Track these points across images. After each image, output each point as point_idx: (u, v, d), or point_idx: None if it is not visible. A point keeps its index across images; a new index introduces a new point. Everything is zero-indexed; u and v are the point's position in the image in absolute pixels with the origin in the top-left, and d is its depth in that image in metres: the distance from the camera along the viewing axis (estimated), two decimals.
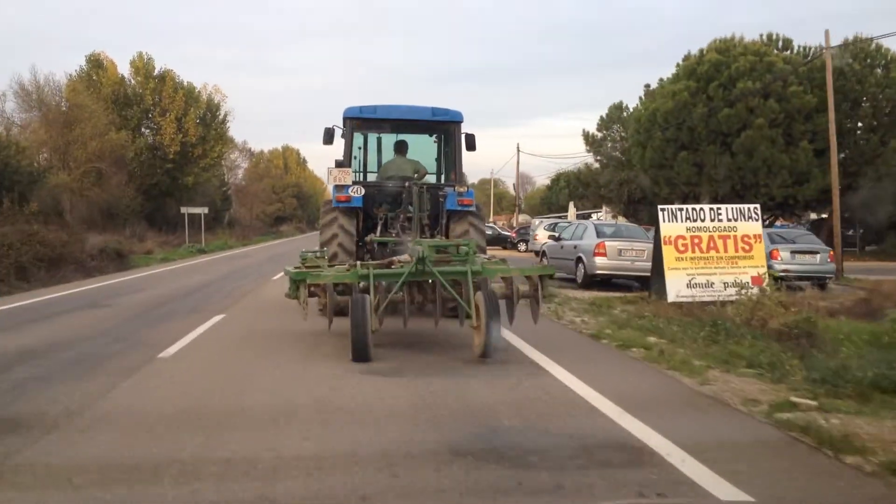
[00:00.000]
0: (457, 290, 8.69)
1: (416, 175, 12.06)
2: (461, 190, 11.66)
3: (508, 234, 46.93)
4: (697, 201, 35.65)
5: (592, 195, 44.47)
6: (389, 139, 13.32)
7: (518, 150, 55.69)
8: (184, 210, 42.94)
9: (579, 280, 19.22)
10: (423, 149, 13.03)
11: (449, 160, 12.66)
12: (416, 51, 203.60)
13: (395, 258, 9.50)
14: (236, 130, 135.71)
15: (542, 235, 34.70)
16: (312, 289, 8.95)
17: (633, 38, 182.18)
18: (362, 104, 12.23)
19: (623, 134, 43.12)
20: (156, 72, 56.70)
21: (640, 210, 39.15)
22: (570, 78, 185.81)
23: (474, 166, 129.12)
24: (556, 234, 21.26)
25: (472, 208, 11.71)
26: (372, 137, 13.57)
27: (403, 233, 11.18)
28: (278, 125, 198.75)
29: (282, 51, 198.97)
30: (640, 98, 44.41)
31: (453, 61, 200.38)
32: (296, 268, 9.78)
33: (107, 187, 49.91)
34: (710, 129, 33.11)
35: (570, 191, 67.80)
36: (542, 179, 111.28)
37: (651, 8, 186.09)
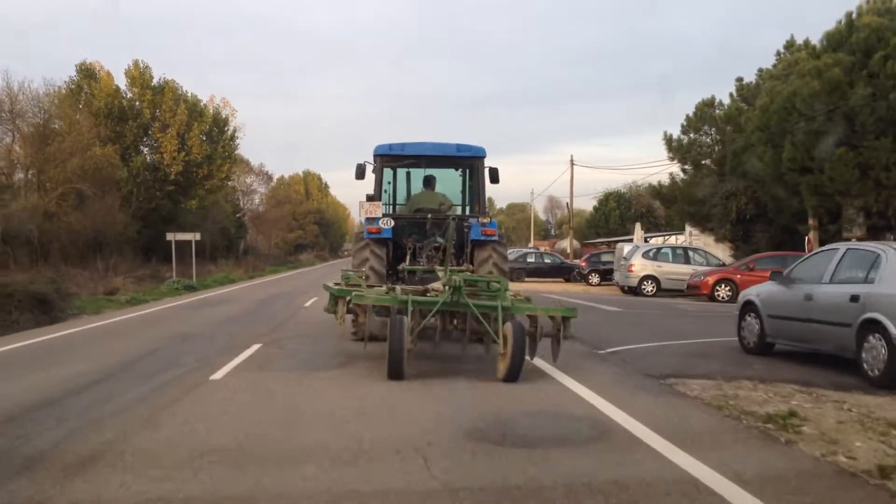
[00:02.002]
0: (486, 321, 8.66)
1: (441, 207, 12.14)
2: (485, 221, 11.58)
3: (574, 263, 36.44)
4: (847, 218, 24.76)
5: (679, 213, 33.54)
6: (417, 173, 13.06)
7: (571, 163, 44.92)
8: (170, 237, 32.65)
9: (876, 371, 8.39)
10: (448, 182, 12.97)
11: (473, 193, 12.63)
12: (439, 78, 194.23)
13: (429, 286, 9.53)
14: (256, 156, 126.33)
15: (640, 265, 24.05)
16: (352, 307, 9.06)
17: (658, 61, 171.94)
18: (391, 141, 12.40)
19: (717, 136, 32.30)
20: (154, 82, 46.73)
21: (754, 231, 28.23)
22: (592, 103, 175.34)
23: (501, 192, 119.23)
24: (785, 272, 10.33)
25: (496, 238, 11.52)
26: (400, 172, 13.21)
27: (430, 262, 11.12)
28: (301, 152, 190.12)
29: (305, 78, 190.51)
30: (731, 95, 33.89)
31: (475, 87, 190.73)
32: (336, 284, 10.05)
33: (90, 212, 40.16)
34: (877, 117, 22.34)
35: (621, 211, 57.33)
36: (576, 203, 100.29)
37: (670, 32, 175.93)
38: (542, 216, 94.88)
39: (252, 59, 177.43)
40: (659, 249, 24.65)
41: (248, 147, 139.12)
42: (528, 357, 8.55)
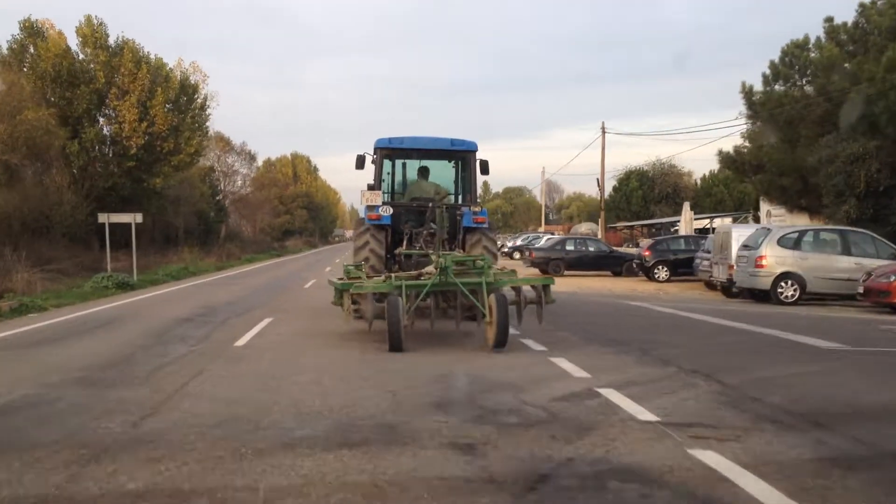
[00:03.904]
0: (474, 297, 8.98)
1: (437, 196, 12.15)
2: (476, 209, 11.77)
3: (630, 252, 27.52)
4: None
5: (763, 186, 24.59)
6: (412, 164, 13.01)
7: (603, 132, 35.79)
8: (102, 219, 23.68)
9: None
10: (442, 173, 13.06)
11: (465, 183, 12.73)
12: (431, 64, 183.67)
13: (423, 270, 9.63)
14: (248, 143, 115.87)
15: (775, 257, 15.18)
16: (354, 297, 9.25)
17: (647, 47, 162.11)
18: (386, 133, 13.15)
19: (811, 86, 23.49)
20: (111, 41, 37.30)
21: (891, 207, 19.44)
22: (584, 89, 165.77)
23: (496, 177, 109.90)
24: None
25: (485, 226, 11.74)
26: (398, 163, 13.14)
27: (426, 246, 11.23)
28: (293, 137, 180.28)
29: (298, 65, 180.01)
30: (819, 39, 25.13)
31: (467, 74, 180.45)
32: (339, 279, 10.38)
33: (25, 190, 31.09)
34: None
35: (643, 191, 48.43)
36: (574, 188, 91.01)
37: (663, 20, 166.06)
38: (539, 200, 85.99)
39: (242, 44, 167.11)
40: (802, 234, 15.64)
41: (235, 130, 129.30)
42: (515, 323, 9.24)
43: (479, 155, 12.26)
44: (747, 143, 29.69)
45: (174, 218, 45.20)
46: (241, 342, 9.43)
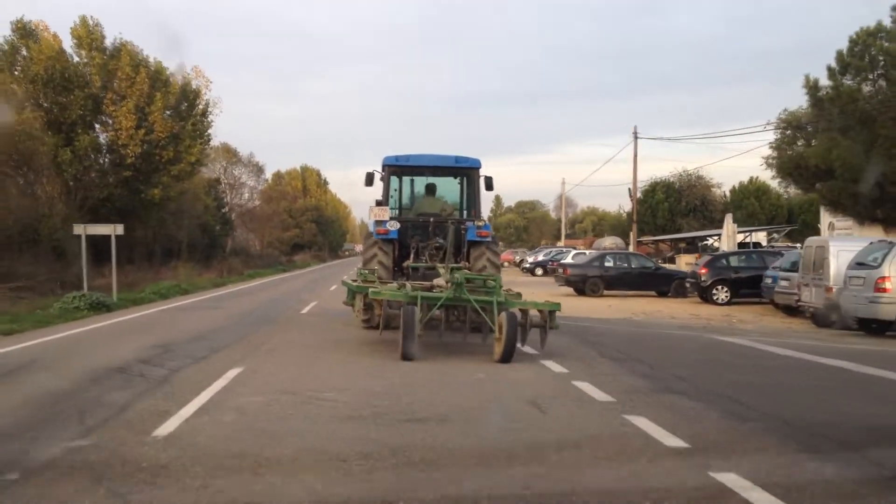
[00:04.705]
0: (485, 314, 9.17)
1: (442, 211, 12.28)
2: (480, 224, 11.92)
3: (679, 269, 24.02)
4: None
5: (832, 192, 20.96)
6: (419, 181, 13.37)
7: (635, 136, 32.15)
8: (78, 230, 20.44)
9: None
10: (448, 189, 13.28)
11: (470, 199, 12.86)
12: (442, 77, 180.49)
13: (434, 282, 9.89)
14: (254, 153, 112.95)
15: None
16: (368, 301, 9.62)
17: (652, 60, 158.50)
18: (398, 153, 12.67)
19: (884, 80, 20.12)
20: (108, 43, 34.33)
21: None
22: (595, 103, 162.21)
23: (510, 191, 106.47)
24: None
25: (489, 239, 11.98)
26: (405, 180, 13.45)
27: (431, 260, 11.45)
28: (301, 151, 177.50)
29: (305, 77, 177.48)
30: (886, 28, 21.83)
31: (472, 87, 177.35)
32: (353, 280, 11.04)
33: (5, 199, 28.09)
34: None
35: (670, 204, 44.90)
36: (587, 202, 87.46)
37: (668, 30, 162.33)
38: (553, 215, 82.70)
39: (250, 55, 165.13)
40: None
41: (244, 142, 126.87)
42: (518, 344, 9.11)
43: (487, 171, 12.45)
44: (775, 155, 26.50)
45: (176, 231, 42.11)
46: (166, 428, 5.47)
